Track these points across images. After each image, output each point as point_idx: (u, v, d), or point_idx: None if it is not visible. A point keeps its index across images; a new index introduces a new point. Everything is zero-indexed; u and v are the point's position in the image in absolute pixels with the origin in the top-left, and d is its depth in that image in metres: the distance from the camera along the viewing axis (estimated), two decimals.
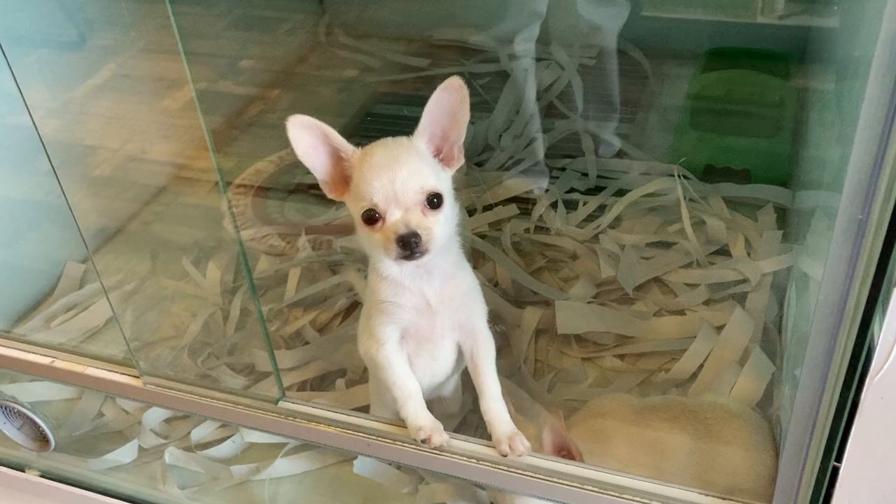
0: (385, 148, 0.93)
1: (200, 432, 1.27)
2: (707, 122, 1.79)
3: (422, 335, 1.01)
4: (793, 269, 1.42)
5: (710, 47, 2.00)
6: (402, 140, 0.95)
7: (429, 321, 1.00)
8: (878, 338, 0.64)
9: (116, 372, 1.10)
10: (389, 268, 0.96)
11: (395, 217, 0.88)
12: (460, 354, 1.06)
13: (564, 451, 0.98)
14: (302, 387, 1.34)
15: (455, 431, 0.99)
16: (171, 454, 1.24)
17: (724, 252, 1.53)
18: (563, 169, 1.78)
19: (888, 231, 0.59)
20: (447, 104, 0.93)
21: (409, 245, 0.88)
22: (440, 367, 1.06)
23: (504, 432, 0.96)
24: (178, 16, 0.99)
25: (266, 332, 1.16)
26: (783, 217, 1.59)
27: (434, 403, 1.12)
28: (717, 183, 1.67)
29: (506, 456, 0.94)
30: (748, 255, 1.52)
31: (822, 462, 0.74)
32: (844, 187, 0.59)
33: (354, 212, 0.92)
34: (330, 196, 0.95)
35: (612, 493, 0.89)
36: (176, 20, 0.97)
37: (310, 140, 0.92)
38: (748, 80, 1.87)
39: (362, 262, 1.57)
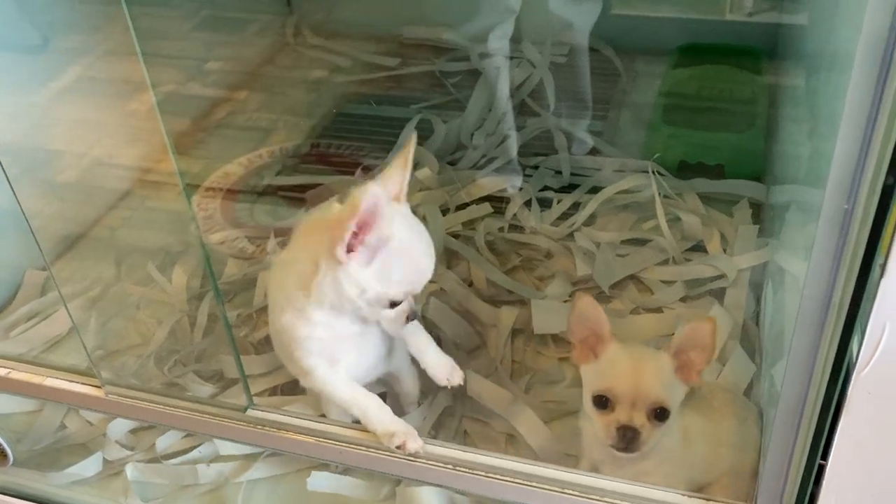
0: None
1: (166, 442, 1.23)
2: (680, 118, 1.78)
3: (344, 349, 1.01)
4: (769, 264, 1.41)
5: (681, 44, 2.00)
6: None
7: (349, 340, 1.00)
8: (865, 332, 0.62)
9: (77, 382, 1.06)
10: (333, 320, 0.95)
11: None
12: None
13: (594, 335, 0.96)
14: (273, 392, 1.30)
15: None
16: (134, 469, 1.20)
17: (699, 248, 1.52)
18: (537, 167, 1.76)
19: (874, 220, 0.57)
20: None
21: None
22: (376, 355, 1.06)
23: (442, 363, 1.02)
24: (144, 17, 0.96)
25: (232, 337, 1.12)
26: (758, 212, 1.58)
27: (395, 400, 1.12)
28: (691, 179, 1.66)
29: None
30: (724, 250, 1.50)
31: (807, 460, 0.72)
32: (829, 176, 0.57)
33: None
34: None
35: (594, 497, 0.87)
36: (141, 22, 0.94)
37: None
38: (720, 76, 1.87)
39: None
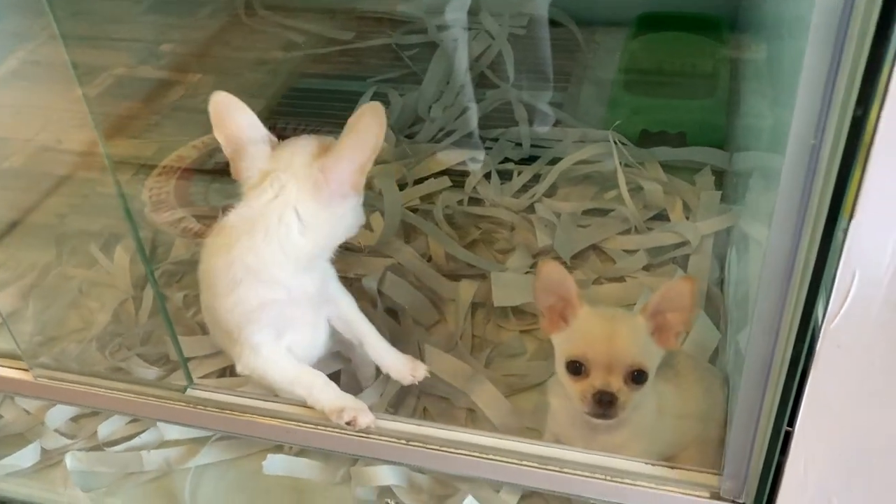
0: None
1: (108, 428, 1.16)
2: (641, 87, 1.74)
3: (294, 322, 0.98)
4: (733, 231, 1.39)
5: (640, 12, 1.96)
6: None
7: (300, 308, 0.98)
8: (834, 282, 0.58)
9: (4, 367, 0.99)
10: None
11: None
12: None
13: (562, 301, 0.92)
14: (222, 374, 1.24)
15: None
16: (74, 458, 1.13)
17: (662, 217, 1.49)
18: (496, 139, 1.71)
19: (843, 157, 0.53)
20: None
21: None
22: (325, 330, 1.04)
23: (402, 362, 1.01)
24: (96, 1, 0.90)
25: (167, 315, 1.07)
26: (721, 179, 1.56)
27: (351, 378, 1.10)
28: (652, 148, 1.62)
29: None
30: (687, 218, 1.47)
31: (776, 421, 0.68)
32: (795, 110, 0.53)
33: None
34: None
35: (554, 468, 0.82)
36: (91, 5, 0.89)
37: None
38: (680, 44, 1.84)
39: None
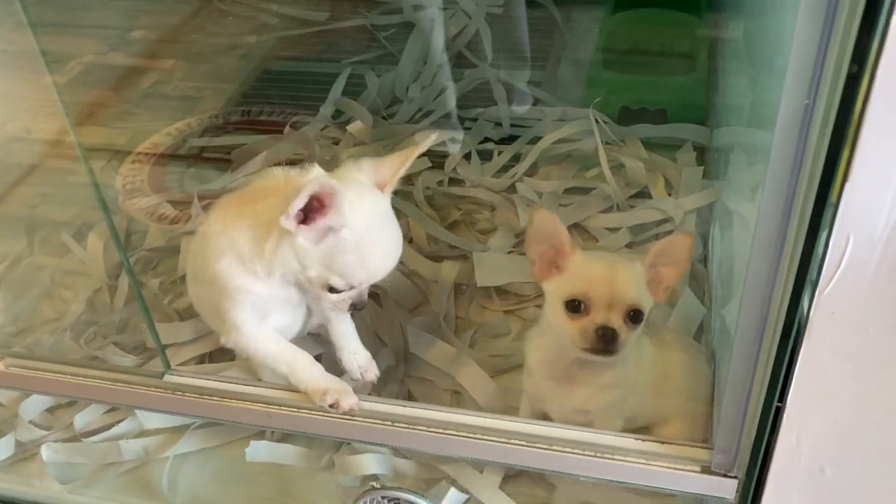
0: None
1: (85, 419, 1.13)
2: (620, 64, 1.73)
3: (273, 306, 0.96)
4: (715, 207, 1.38)
5: None
6: None
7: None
8: (828, 246, 0.57)
9: None
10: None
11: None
12: None
13: (553, 249, 0.91)
14: (200, 360, 1.21)
15: None
16: (50, 449, 1.10)
17: (644, 194, 1.48)
18: (476, 119, 1.69)
19: (836, 119, 0.52)
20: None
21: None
22: (307, 314, 1.02)
23: (360, 359, 1.01)
24: None
25: (143, 301, 1.04)
26: (702, 155, 1.55)
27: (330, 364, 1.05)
28: (633, 125, 1.61)
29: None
30: (669, 194, 1.46)
31: (767, 394, 0.67)
32: (788, 69, 0.51)
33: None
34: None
35: (542, 446, 0.81)
36: None
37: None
38: (658, 20, 1.82)
39: None
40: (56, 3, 2.15)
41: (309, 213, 0.83)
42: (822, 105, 0.52)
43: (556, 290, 0.92)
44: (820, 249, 0.57)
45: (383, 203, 0.90)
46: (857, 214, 0.54)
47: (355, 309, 0.93)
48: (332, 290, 0.88)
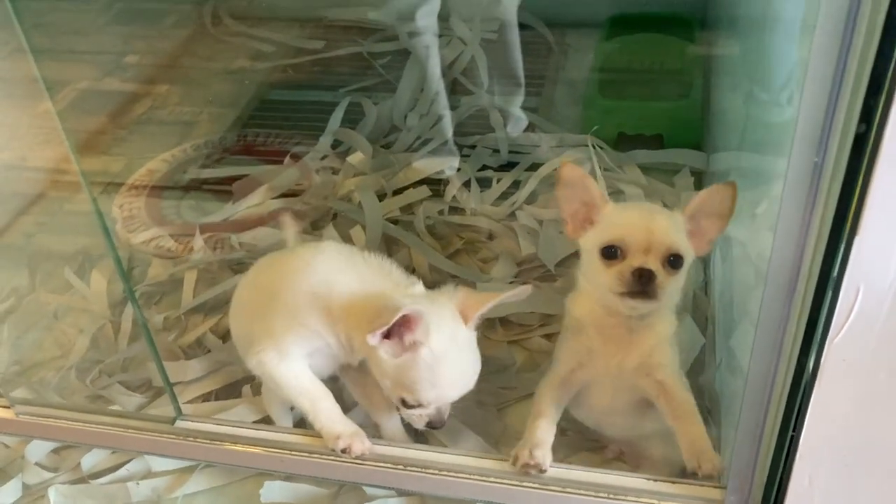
0: None
1: (91, 460, 1.13)
2: (616, 90, 1.74)
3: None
4: None
5: (611, 14, 1.97)
6: None
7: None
8: (838, 297, 0.58)
9: None
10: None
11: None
12: None
13: (585, 205, 0.90)
14: (206, 398, 1.21)
15: None
16: (57, 492, 1.10)
17: None
18: (474, 146, 1.70)
19: (846, 174, 0.53)
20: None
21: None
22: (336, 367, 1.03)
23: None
24: (56, 13, 0.88)
25: (153, 344, 1.04)
26: (700, 180, 1.56)
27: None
28: (630, 150, 1.62)
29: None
30: None
31: (779, 435, 0.68)
32: (797, 128, 0.52)
33: None
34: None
35: (556, 489, 0.81)
36: (53, 17, 0.86)
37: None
38: (653, 45, 1.85)
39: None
40: (50, 29, 2.15)
41: (395, 328, 0.86)
42: (830, 163, 0.53)
43: (591, 241, 0.90)
44: (830, 300, 0.58)
45: (465, 332, 0.94)
46: (866, 267, 0.55)
47: (431, 427, 0.93)
48: (404, 403, 0.90)
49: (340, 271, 0.95)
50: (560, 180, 0.91)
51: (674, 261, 0.86)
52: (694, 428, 0.87)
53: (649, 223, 0.87)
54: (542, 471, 0.87)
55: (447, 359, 0.89)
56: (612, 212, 0.90)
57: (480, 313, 0.93)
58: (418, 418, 0.91)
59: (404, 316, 0.84)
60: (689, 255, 0.88)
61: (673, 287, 0.87)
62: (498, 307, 1.28)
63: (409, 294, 0.93)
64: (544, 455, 0.89)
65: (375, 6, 2.10)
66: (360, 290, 0.92)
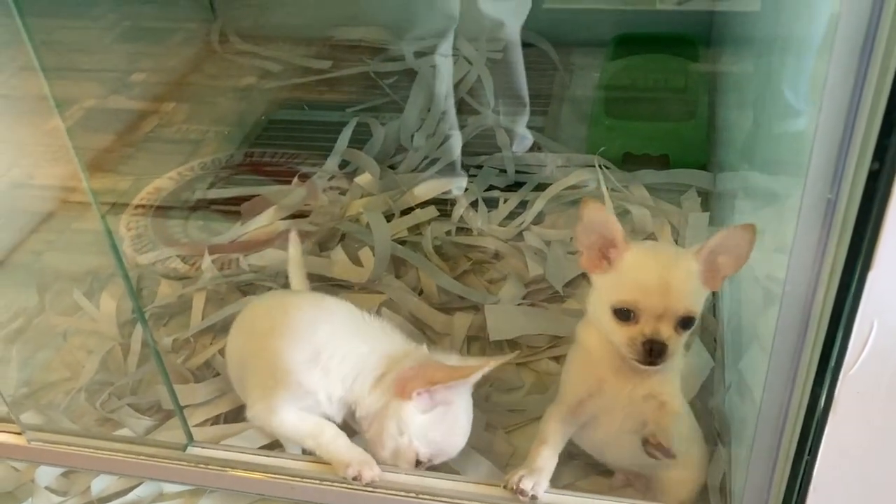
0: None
1: (101, 484, 1.13)
2: (621, 109, 1.75)
3: None
4: None
5: (616, 34, 1.98)
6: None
7: None
8: (852, 331, 0.58)
9: None
10: None
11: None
12: None
13: (604, 240, 0.88)
14: (215, 421, 1.21)
15: None
16: None
17: (650, 240, 1.49)
18: (480, 166, 1.71)
19: (861, 208, 0.53)
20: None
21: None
22: None
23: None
24: (62, 31, 0.89)
25: (164, 369, 1.04)
26: (706, 201, 1.56)
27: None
28: (636, 171, 1.63)
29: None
30: (675, 241, 1.48)
31: (792, 466, 0.68)
32: (810, 165, 0.53)
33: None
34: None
35: None
36: (59, 35, 0.87)
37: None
38: (659, 65, 1.86)
39: (274, 279, 1.46)
40: (56, 47, 2.16)
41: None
42: (844, 199, 0.53)
43: (605, 289, 0.89)
44: (844, 334, 0.59)
45: (468, 396, 0.98)
46: (880, 301, 0.56)
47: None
48: (417, 462, 0.93)
49: (347, 332, 0.96)
50: (582, 218, 0.89)
51: (687, 322, 0.85)
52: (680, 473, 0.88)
53: (666, 287, 0.85)
54: (534, 498, 0.87)
55: (465, 411, 0.95)
56: (630, 263, 0.87)
57: (478, 377, 0.96)
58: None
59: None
60: (702, 303, 0.87)
61: (682, 343, 0.87)
62: (509, 329, 1.31)
63: (419, 355, 0.96)
64: (537, 484, 0.88)
65: (383, 28, 2.12)
66: (371, 352, 0.94)
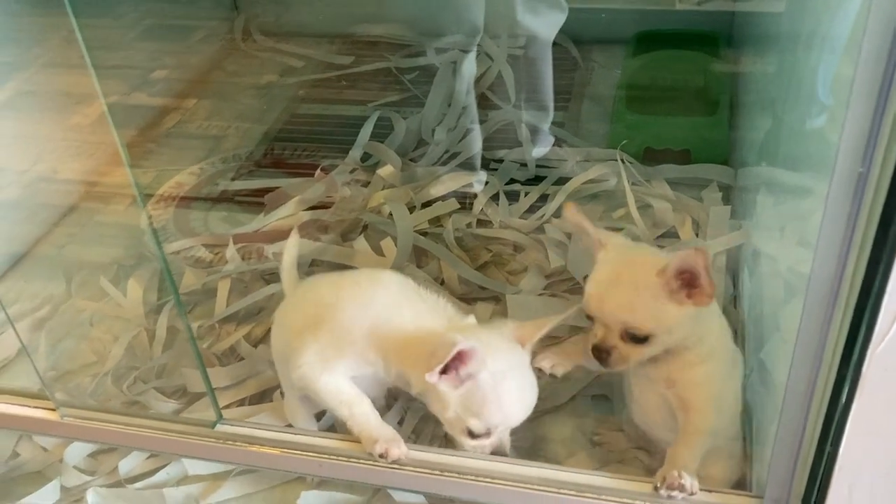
0: None
1: (129, 465, 1.15)
2: (643, 105, 1.76)
3: None
4: (743, 247, 1.39)
5: (637, 31, 1.98)
6: None
7: None
8: (881, 305, 0.59)
9: (29, 406, 0.98)
10: None
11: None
12: None
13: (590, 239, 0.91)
14: (240, 404, 1.23)
15: None
16: (96, 494, 1.11)
17: (671, 234, 1.49)
18: (501, 160, 1.72)
19: (892, 182, 0.54)
20: None
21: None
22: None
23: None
24: (84, 28, 0.91)
25: (197, 350, 1.06)
26: (728, 195, 1.57)
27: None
28: (658, 165, 1.63)
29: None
30: (696, 235, 1.48)
31: (818, 444, 0.68)
32: (841, 139, 0.53)
33: None
34: None
35: (590, 496, 0.82)
36: (81, 33, 0.89)
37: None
38: (680, 61, 1.86)
39: (298, 268, 1.47)
40: (77, 44, 2.18)
41: (451, 363, 0.87)
42: (875, 171, 0.54)
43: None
44: (871, 309, 0.59)
45: (521, 354, 0.94)
46: None
47: (497, 454, 0.94)
48: (470, 434, 0.91)
49: (400, 306, 0.97)
50: (565, 220, 0.92)
51: (633, 336, 0.85)
52: (684, 450, 0.88)
53: (604, 298, 0.86)
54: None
55: (508, 378, 0.91)
56: (597, 266, 0.90)
57: (535, 339, 0.95)
58: (482, 449, 0.92)
59: (459, 352, 0.85)
60: (670, 317, 0.85)
61: (644, 355, 0.86)
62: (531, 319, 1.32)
63: (462, 327, 0.95)
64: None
65: (405, 24, 2.14)
66: (416, 328, 0.94)
